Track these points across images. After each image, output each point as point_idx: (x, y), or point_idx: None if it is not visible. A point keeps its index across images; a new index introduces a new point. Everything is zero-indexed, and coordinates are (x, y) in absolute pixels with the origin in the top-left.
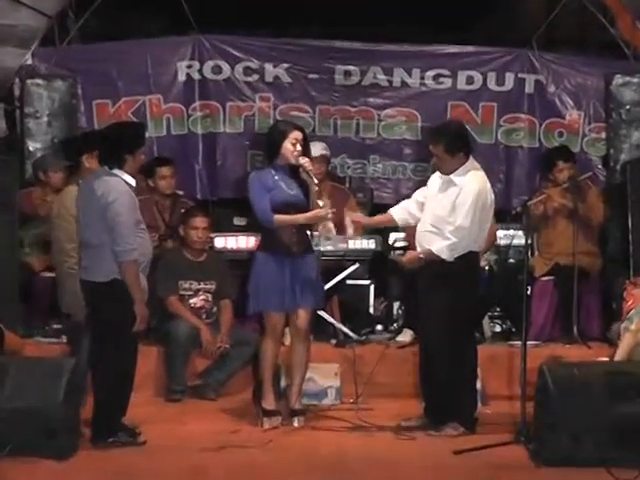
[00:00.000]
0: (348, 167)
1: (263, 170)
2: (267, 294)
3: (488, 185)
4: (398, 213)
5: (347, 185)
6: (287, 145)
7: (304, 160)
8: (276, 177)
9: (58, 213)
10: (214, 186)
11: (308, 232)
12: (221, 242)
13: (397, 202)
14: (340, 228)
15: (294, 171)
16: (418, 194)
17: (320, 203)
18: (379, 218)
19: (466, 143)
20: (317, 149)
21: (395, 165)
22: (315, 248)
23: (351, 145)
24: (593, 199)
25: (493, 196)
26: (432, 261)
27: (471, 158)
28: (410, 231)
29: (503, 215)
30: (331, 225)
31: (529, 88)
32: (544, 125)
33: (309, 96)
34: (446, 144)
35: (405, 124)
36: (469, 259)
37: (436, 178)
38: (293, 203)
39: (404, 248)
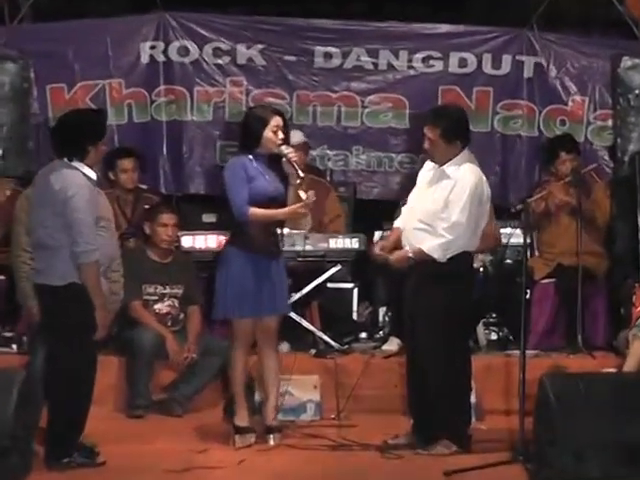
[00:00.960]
0: (329, 159)
1: (241, 158)
2: (237, 297)
3: (484, 179)
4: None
5: (327, 178)
6: (268, 134)
7: (288, 150)
8: (257, 166)
9: (18, 217)
10: (180, 180)
11: (278, 230)
12: (189, 241)
13: (383, 197)
14: (320, 225)
15: (274, 162)
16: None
17: (303, 196)
18: (393, 239)
19: (465, 131)
20: (296, 136)
21: (381, 157)
22: (290, 248)
23: (332, 135)
24: (599, 194)
25: (489, 190)
26: (422, 262)
27: (467, 150)
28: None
29: (500, 212)
30: (306, 221)
31: (528, 72)
32: (545, 112)
33: (285, 80)
34: (444, 128)
35: (392, 111)
36: (463, 260)
37: (426, 170)
38: (274, 197)
39: None
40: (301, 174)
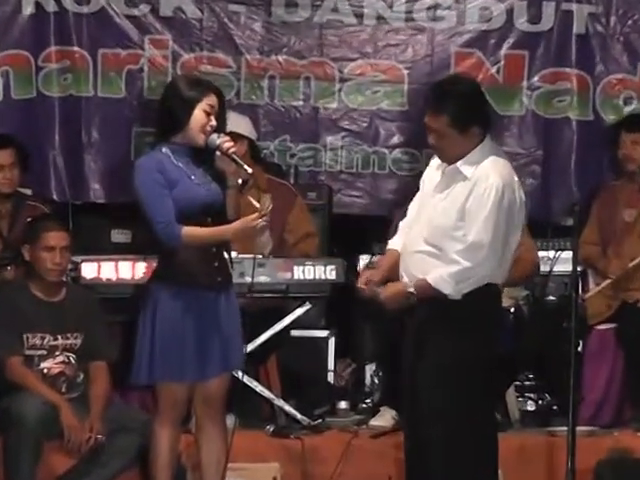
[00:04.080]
0: (292, 154)
1: (156, 153)
2: (166, 354)
3: (516, 179)
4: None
5: (291, 181)
6: (197, 115)
7: (222, 139)
8: (178, 164)
9: None
10: (78, 182)
11: (226, 254)
12: (91, 270)
13: (370, 211)
14: (280, 246)
15: (201, 154)
16: (409, 214)
17: (256, 204)
18: (387, 262)
19: (482, 111)
20: (241, 125)
21: (367, 152)
22: (237, 279)
23: (297, 119)
24: None
25: (524, 196)
26: (427, 299)
27: (489, 139)
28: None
29: (539, 228)
30: (266, 238)
31: (579, 26)
32: (602, 85)
33: (230, 41)
34: (453, 113)
35: (383, 86)
36: (485, 296)
37: (433, 170)
38: (208, 205)
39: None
40: (248, 169)
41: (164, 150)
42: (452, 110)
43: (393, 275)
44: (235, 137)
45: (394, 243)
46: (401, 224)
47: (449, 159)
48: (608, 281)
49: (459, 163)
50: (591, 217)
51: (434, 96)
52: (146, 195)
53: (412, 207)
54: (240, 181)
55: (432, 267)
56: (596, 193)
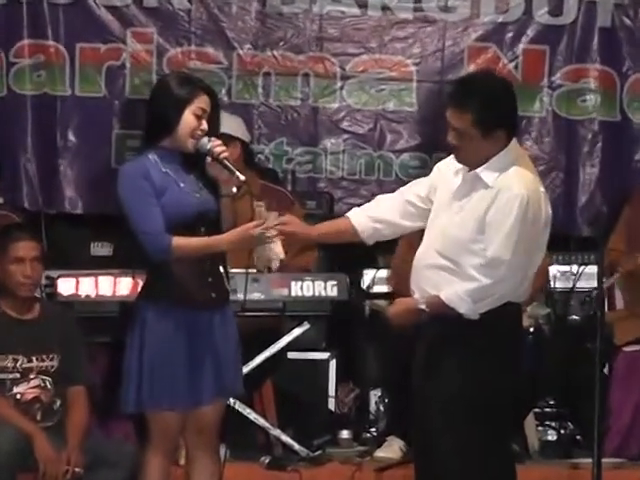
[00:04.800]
0: (289, 159)
1: (141, 159)
2: (156, 380)
3: (542, 190)
4: (361, 219)
5: (288, 188)
6: (187, 118)
7: (213, 143)
8: (165, 170)
9: None
10: (53, 190)
11: (222, 269)
12: (69, 286)
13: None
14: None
15: (194, 161)
16: (414, 188)
17: (267, 214)
18: (326, 226)
19: (510, 114)
20: (230, 125)
21: (372, 157)
22: (235, 297)
23: (294, 121)
24: None
25: (550, 209)
26: (440, 318)
27: (515, 144)
28: (401, 265)
29: (560, 240)
30: (278, 249)
31: (604, 19)
32: (630, 83)
33: (220, 34)
34: (478, 112)
35: (389, 83)
36: (506, 317)
37: (450, 174)
38: (201, 213)
39: (389, 295)
40: (241, 177)
41: (151, 156)
42: (478, 108)
43: (325, 239)
44: (227, 140)
45: (353, 212)
46: (382, 197)
47: (467, 162)
48: (617, 275)
49: (480, 169)
50: (620, 223)
51: (460, 91)
52: (131, 204)
53: (408, 188)
54: (235, 189)
55: (446, 283)
56: (629, 196)
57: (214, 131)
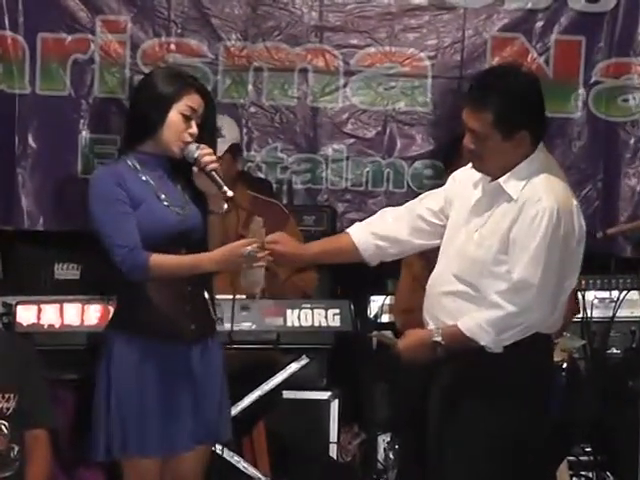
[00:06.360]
0: (284, 168)
1: (117, 164)
2: (130, 423)
3: (575, 203)
4: (363, 235)
5: (283, 201)
6: (173, 117)
7: (202, 152)
8: (145, 178)
9: None
10: (9, 203)
11: (206, 294)
12: (29, 315)
13: None
14: (268, 281)
15: (182, 168)
16: (426, 201)
17: (257, 227)
18: (323, 244)
19: (536, 115)
20: (227, 130)
21: (380, 165)
22: (221, 327)
23: (290, 123)
24: None
25: (584, 224)
26: (459, 352)
27: (542, 149)
28: (410, 291)
29: (598, 261)
30: (260, 274)
31: None
32: None
33: (205, 22)
34: (498, 111)
35: (400, 80)
36: (534, 350)
37: (469, 184)
38: (183, 232)
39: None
40: (229, 192)
41: (129, 160)
42: (499, 108)
43: (320, 260)
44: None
45: (354, 228)
46: (387, 211)
47: (487, 170)
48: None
49: (502, 179)
50: None
51: (478, 87)
52: (102, 214)
53: (419, 202)
54: (225, 206)
55: (465, 311)
56: None
57: (208, 137)
